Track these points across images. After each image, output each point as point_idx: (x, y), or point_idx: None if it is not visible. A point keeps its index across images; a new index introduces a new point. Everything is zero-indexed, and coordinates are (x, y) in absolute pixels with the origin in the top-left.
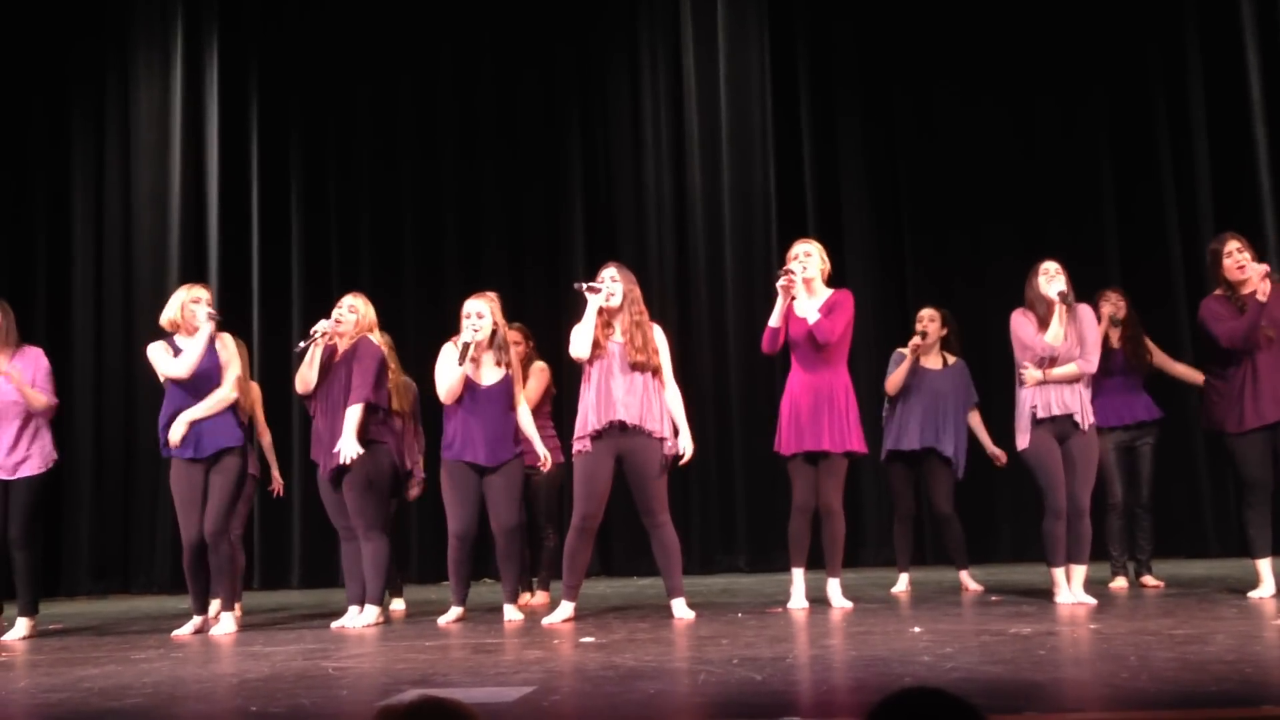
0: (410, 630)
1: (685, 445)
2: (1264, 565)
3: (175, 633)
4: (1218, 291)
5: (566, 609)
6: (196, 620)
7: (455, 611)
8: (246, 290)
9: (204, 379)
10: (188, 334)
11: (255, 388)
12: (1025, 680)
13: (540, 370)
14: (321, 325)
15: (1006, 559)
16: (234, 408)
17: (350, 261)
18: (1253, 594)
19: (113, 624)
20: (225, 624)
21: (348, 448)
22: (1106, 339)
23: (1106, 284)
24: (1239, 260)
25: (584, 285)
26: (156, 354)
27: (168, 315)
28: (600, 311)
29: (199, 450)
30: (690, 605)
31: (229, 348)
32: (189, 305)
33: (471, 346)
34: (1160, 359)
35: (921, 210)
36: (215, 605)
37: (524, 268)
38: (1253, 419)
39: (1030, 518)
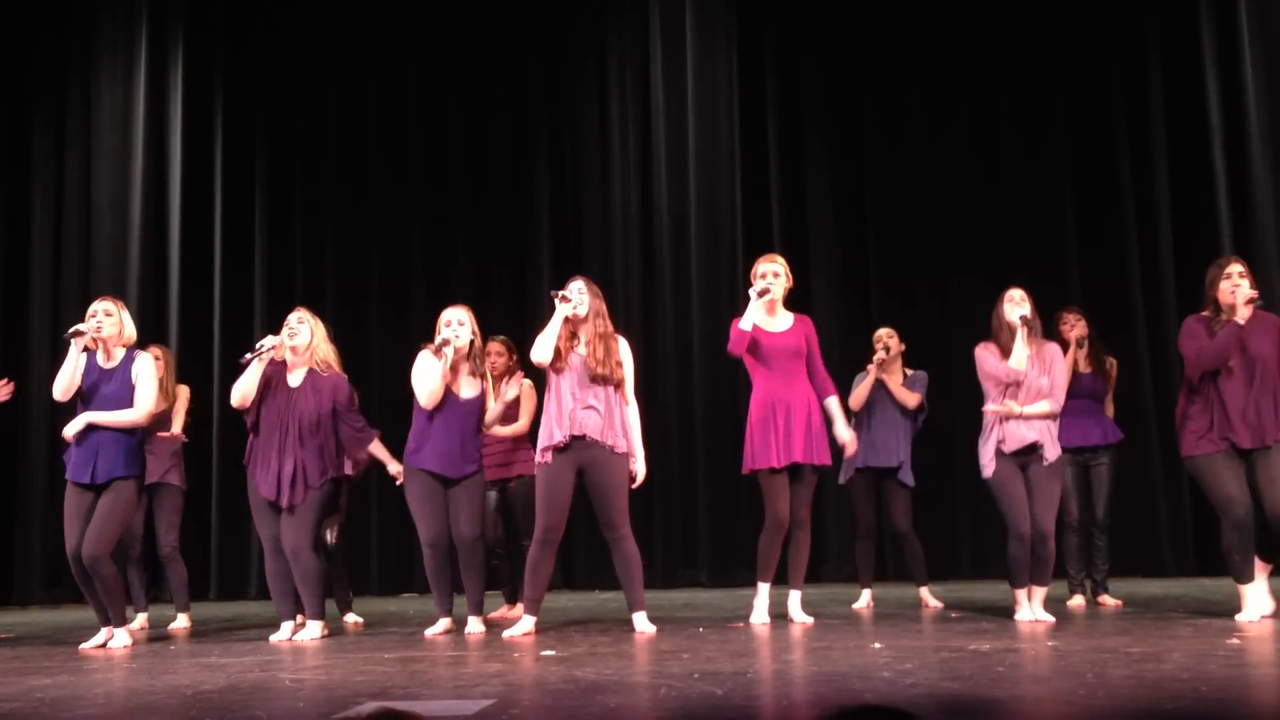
0: (369, 642)
1: (639, 468)
2: (1248, 590)
3: (82, 646)
4: (1204, 312)
5: (528, 623)
6: (104, 632)
7: (442, 623)
8: (208, 299)
9: (109, 402)
10: (106, 352)
11: (184, 391)
12: (984, 697)
13: (531, 390)
14: (269, 341)
15: (967, 576)
16: (138, 435)
17: (314, 272)
18: (1240, 617)
19: (65, 633)
20: (120, 638)
21: (399, 469)
22: (1075, 363)
23: (1067, 304)
24: (1237, 283)
25: (557, 293)
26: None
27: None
28: (566, 322)
29: (93, 477)
30: (651, 619)
31: (147, 369)
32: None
33: (451, 348)
34: (1108, 395)
35: (886, 228)
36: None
37: (490, 282)
38: (1224, 438)
39: (990, 535)
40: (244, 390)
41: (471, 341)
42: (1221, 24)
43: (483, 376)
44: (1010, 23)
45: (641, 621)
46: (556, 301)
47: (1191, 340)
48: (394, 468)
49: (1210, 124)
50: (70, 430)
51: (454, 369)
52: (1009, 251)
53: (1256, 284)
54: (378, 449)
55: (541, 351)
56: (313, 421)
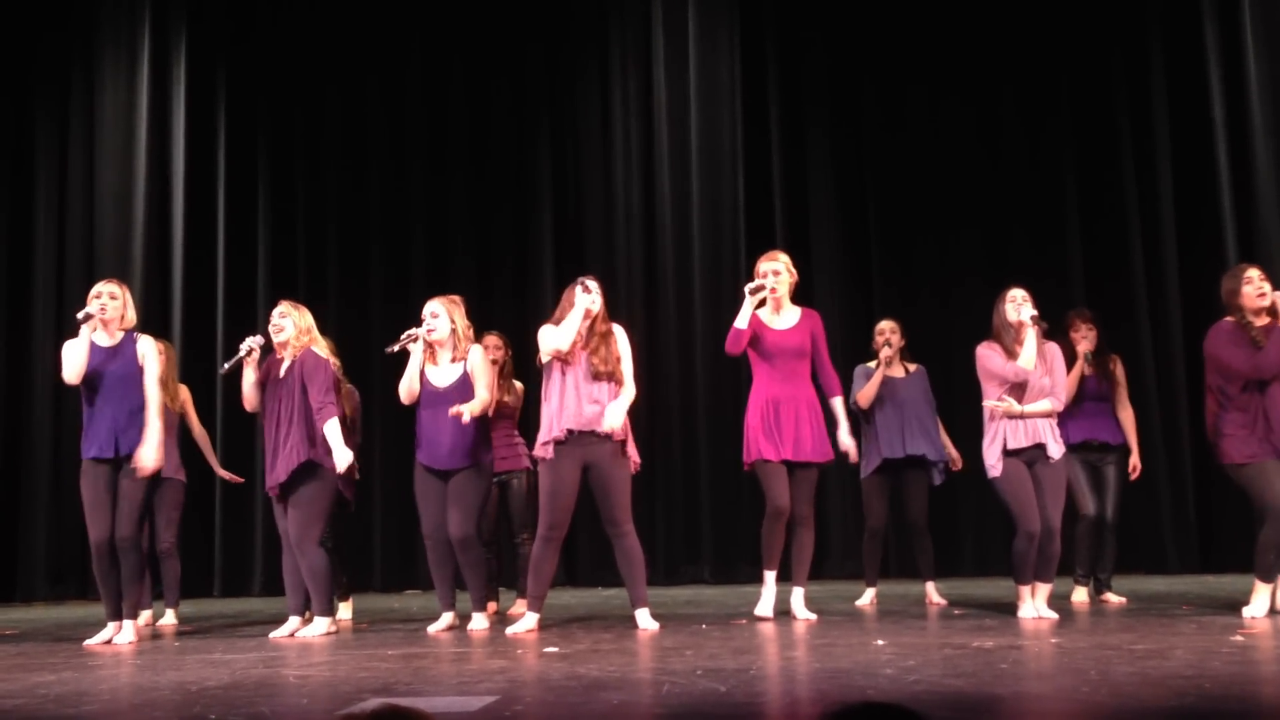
0: (373, 638)
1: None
2: (1265, 588)
3: (87, 642)
4: (1231, 319)
5: (531, 620)
6: (111, 628)
7: (446, 619)
8: (211, 296)
9: (116, 380)
10: (108, 333)
11: (184, 390)
12: (987, 694)
13: (521, 390)
14: (250, 341)
15: (970, 573)
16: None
17: (317, 267)
18: (1247, 611)
19: (69, 630)
20: (126, 633)
21: (343, 459)
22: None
23: (1071, 302)
24: (1260, 287)
25: (582, 282)
26: (65, 351)
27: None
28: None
29: (105, 450)
30: (654, 616)
31: (150, 351)
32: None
33: (420, 342)
34: (1122, 397)
35: (889, 224)
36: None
37: (492, 277)
38: (1263, 447)
39: (993, 532)
40: (248, 397)
41: (453, 330)
42: (1224, 17)
43: (464, 358)
44: (1012, 19)
45: (644, 618)
46: (578, 290)
47: (1236, 349)
48: (339, 455)
49: (1213, 119)
50: (149, 461)
51: (434, 358)
52: (1011, 248)
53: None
54: (332, 432)
55: (563, 339)
56: (291, 405)
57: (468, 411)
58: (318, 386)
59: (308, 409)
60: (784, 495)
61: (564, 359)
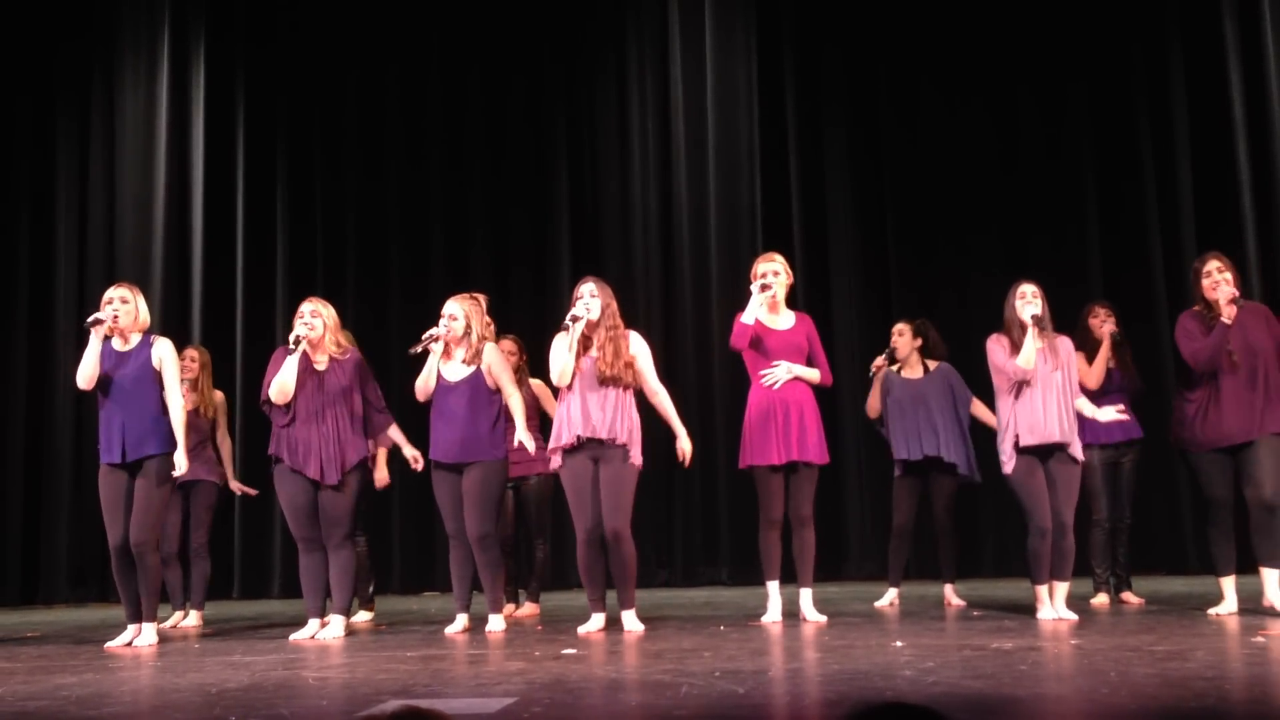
0: (392, 640)
1: (685, 445)
2: (1227, 583)
3: (108, 644)
4: (1195, 308)
5: (598, 620)
6: (131, 630)
7: (459, 620)
8: (230, 297)
9: (128, 384)
10: (122, 337)
11: (219, 396)
12: (1006, 695)
13: (536, 387)
14: (300, 330)
15: (990, 574)
16: (166, 418)
17: (335, 269)
18: (1213, 610)
19: (91, 632)
20: (147, 635)
21: (411, 453)
22: (1106, 360)
23: (1089, 298)
24: (1216, 280)
25: (569, 318)
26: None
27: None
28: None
29: (114, 456)
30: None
31: (168, 354)
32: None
33: (439, 342)
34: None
35: (907, 223)
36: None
37: (509, 277)
38: (1214, 439)
39: (1013, 533)
40: (286, 387)
41: (467, 330)
42: (1244, 15)
43: (478, 360)
44: (1029, 16)
45: (630, 620)
46: (569, 322)
47: (1189, 340)
48: (409, 451)
49: (1233, 117)
50: (180, 469)
51: (447, 355)
52: (1030, 246)
53: (1239, 278)
54: (395, 432)
55: (561, 375)
56: (346, 398)
57: (527, 441)
58: (374, 389)
59: (355, 407)
60: (778, 505)
61: (573, 371)
